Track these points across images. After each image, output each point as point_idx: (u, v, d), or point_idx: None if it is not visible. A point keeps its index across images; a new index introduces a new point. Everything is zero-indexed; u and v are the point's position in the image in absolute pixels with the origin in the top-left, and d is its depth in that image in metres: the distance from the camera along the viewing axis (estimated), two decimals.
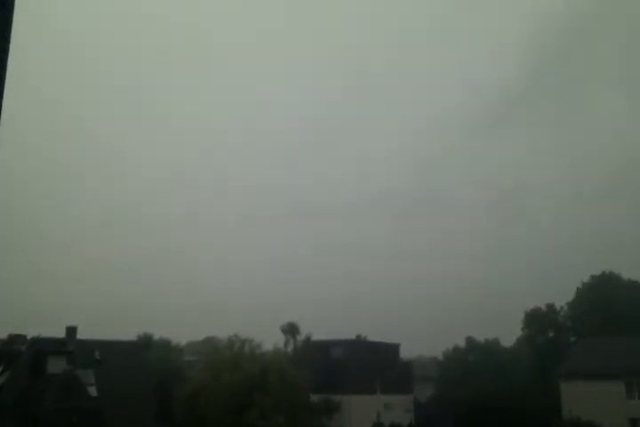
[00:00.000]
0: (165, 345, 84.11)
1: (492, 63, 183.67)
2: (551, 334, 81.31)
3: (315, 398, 55.05)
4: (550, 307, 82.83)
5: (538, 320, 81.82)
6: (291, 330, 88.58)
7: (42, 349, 42.08)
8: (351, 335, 79.78)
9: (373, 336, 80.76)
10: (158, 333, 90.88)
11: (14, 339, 47.00)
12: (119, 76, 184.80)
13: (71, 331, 46.02)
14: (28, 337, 45.66)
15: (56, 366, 40.42)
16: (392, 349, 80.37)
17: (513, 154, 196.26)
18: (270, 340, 69.32)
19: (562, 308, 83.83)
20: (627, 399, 53.48)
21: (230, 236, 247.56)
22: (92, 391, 39.94)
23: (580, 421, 48.01)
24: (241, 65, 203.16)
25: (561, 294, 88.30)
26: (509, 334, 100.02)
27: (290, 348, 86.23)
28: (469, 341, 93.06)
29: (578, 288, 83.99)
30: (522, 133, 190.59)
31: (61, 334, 45.84)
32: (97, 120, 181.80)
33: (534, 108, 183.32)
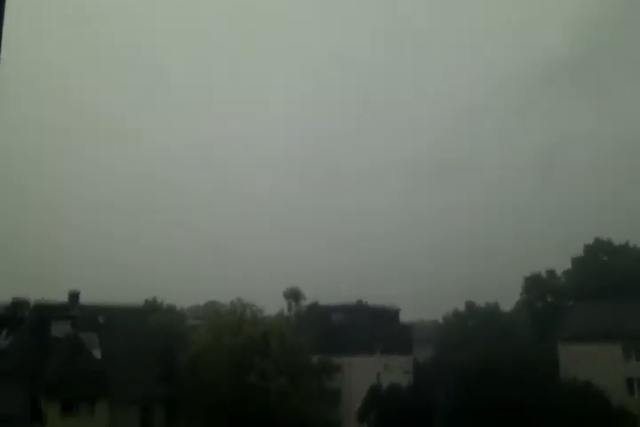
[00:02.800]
0: (169, 310, 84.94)
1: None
2: (550, 299, 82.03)
3: (315, 359, 55.80)
4: (550, 273, 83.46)
5: (537, 285, 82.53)
6: (293, 295, 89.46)
7: (45, 313, 42.48)
8: (352, 300, 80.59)
9: (374, 301, 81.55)
10: (162, 297, 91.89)
11: (18, 304, 47.47)
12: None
13: (74, 296, 46.38)
14: (31, 302, 46.08)
15: (60, 330, 40.85)
16: (392, 313, 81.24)
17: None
18: (272, 306, 70.08)
19: (561, 275, 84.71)
20: (624, 361, 54.27)
21: (234, 198, 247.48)
22: (97, 354, 40.45)
23: (576, 381, 48.65)
24: None
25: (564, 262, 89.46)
26: (509, 298, 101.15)
27: (292, 313, 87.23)
28: (469, 305, 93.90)
29: (572, 258, 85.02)
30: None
31: (64, 299, 46.22)
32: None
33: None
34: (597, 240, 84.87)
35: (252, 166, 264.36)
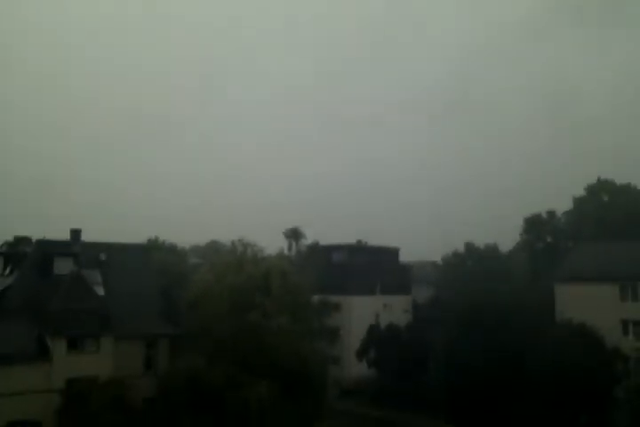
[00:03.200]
0: (171, 249, 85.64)
1: None
2: (549, 240, 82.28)
3: (315, 299, 56.61)
4: (550, 213, 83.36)
5: (537, 226, 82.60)
6: (294, 235, 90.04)
7: (47, 250, 42.68)
8: (352, 240, 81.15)
9: (374, 241, 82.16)
10: (164, 236, 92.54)
11: (20, 241, 47.69)
12: None
13: (75, 233, 46.49)
14: (33, 240, 46.24)
15: (62, 267, 41.14)
16: (392, 253, 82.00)
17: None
18: (273, 245, 70.54)
19: (562, 215, 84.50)
20: (620, 302, 54.89)
21: (240, 141, 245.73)
22: (100, 291, 40.87)
23: (571, 322, 49.38)
24: None
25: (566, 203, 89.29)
26: (508, 239, 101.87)
27: (292, 252, 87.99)
28: (468, 246, 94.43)
29: (574, 197, 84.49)
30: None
31: (66, 236, 46.37)
32: None
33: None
34: (600, 180, 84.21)
35: (254, 104, 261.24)
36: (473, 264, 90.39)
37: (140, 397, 37.10)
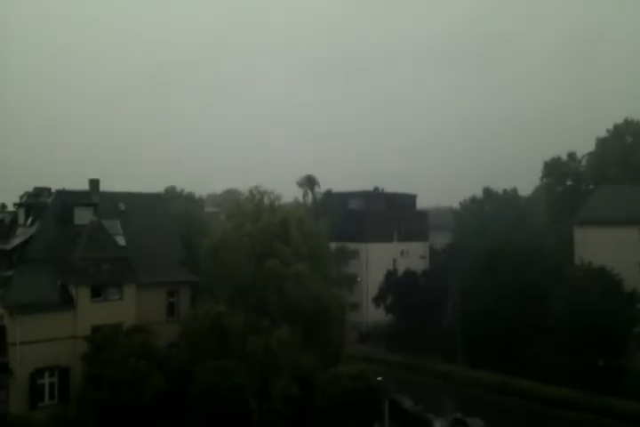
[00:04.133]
0: (188, 198, 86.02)
1: None
2: (570, 183, 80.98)
3: (333, 246, 56.80)
4: (571, 155, 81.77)
5: (557, 169, 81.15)
6: (308, 183, 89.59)
7: (67, 201, 42.93)
8: (369, 187, 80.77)
9: (391, 188, 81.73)
10: (181, 185, 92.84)
11: (40, 192, 47.91)
12: None
13: (94, 184, 46.60)
14: (53, 190, 46.44)
15: (82, 217, 41.40)
16: (409, 199, 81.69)
17: None
18: (287, 195, 70.38)
19: (583, 157, 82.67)
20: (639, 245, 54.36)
21: (249, 86, 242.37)
22: (120, 241, 41.29)
23: (590, 266, 49.32)
24: None
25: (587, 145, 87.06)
26: (529, 184, 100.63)
27: (308, 200, 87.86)
28: (487, 191, 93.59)
29: (597, 138, 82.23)
30: None
31: (84, 187, 46.54)
32: None
33: None
34: (626, 121, 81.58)
35: (266, 54, 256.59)
36: (491, 209, 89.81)
37: (164, 342, 38.02)
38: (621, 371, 43.95)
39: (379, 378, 33.63)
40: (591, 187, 75.72)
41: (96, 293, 37.60)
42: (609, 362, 43.84)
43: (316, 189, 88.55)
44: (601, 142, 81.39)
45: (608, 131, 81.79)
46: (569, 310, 44.23)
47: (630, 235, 53.75)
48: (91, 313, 36.88)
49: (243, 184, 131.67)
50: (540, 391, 43.36)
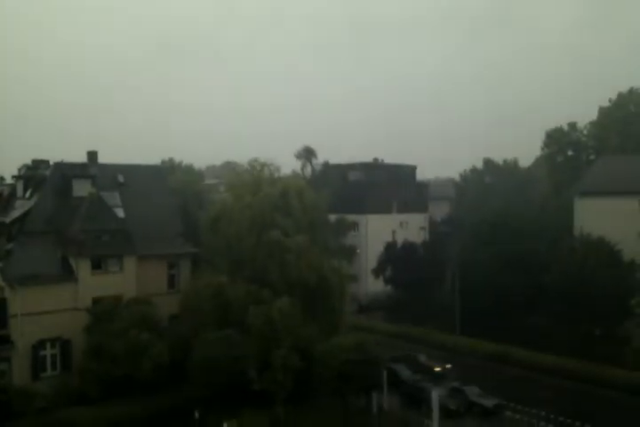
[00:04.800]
0: (187, 169, 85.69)
1: None
2: (571, 153, 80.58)
3: (332, 218, 56.71)
4: (572, 126, 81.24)
5: (558, 139, 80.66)
6: (306, 154, 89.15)
7: (66, 173, 42.74)
8: (368, 159, 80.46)
9: (390, 159, 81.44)
10: (179, 157, 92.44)
11: (38, 164, 47.67)
12: None
13: (92, 156, 46.36)
14: (51, 163, 46.19)
15: (81, 189, 41.29)
16: (408, 171, 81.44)
17: None
18: (286, 167, 70.12)
19: (585, 127, 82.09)
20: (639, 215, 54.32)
21: (250, 55, 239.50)
22: (119, 213, 41.25)
23: (589, 236, 49.27)
24: None
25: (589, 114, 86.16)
26: (529, 154, 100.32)
27: (307, 172, 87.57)
28: (487, 162, 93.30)
29: (600, 107, 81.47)
30: None
31: (82, 159, 46.28)
32: None
33: None
34: (631, 90, 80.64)
35: (277, 19, 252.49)
36: (491, 180, 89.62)
37: (165, 314, 38.28)
38: (620, 341, 44.32)
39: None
40: (592, 157, 75.41)
41: (96, 265, 37.73)
42: (608, 332, 44.19)
43: (314, 161, 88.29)
44: (603, 112, 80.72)
45: (611, 100, 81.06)
46: (567, 281, 44.35)
47: (630, 205, 53.67)
48: (91, 285, 37.07)
49: (241, 157, 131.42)
50: (537, 360, 43.74)
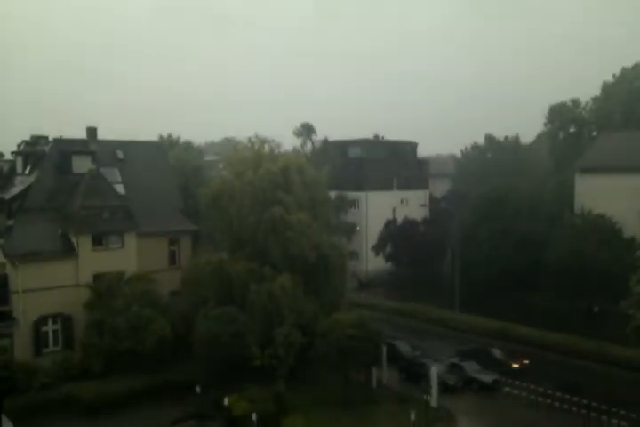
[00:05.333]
0: (186, 146, 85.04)
1: None
2: (573, 129, 79.97)
3: (332, 195, 56.55)
4: (575, 101, 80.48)
5: (561, 115, 79.94)
6: (306, 131, 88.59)
7: (65, 149, 42.49)
8: (368, 135, 79.96)
9: (391, 136, 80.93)
10: (178, 133, 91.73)
11: (37, 140, 47.33)
12: None
13: (91, 132, 46.00)
14: (50, 138, 45.86)
15: (81, 165, 41.13)
16: (409, 147, 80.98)
17: None
18: (286, 144, 69.69)
19: (587, 103, 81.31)
20: None
21: (250, 30, 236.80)
22: (119, 189, 41.13)
23: (589, 213, 49.23)
24: None
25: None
26: (530, 131, 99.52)
27: (307, 149, 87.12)
28: (488, 138, 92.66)
29: (604, 82, 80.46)
30: None
31: (82, 135, 45.95)
32: None
33: None
34: (636, 65, 79.40)
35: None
36: (493, 157, 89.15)
37: (166, 290, 38.41)
38: (619, 317, 44.50)
39: None
40: (595, 133, 74.82)
41: (97, 241, 37.74)
42: (608, 308, 44.36)
43: (314, 138, 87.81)
44: (607, 87, 79.75)
45: (614, 76, 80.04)
46: (568, 258, 44.42)
47: (632, 182, 53.28)
48: (92, 261, 37.11)
49: (240, 133, 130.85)
50: (536, 337, 43.98)
